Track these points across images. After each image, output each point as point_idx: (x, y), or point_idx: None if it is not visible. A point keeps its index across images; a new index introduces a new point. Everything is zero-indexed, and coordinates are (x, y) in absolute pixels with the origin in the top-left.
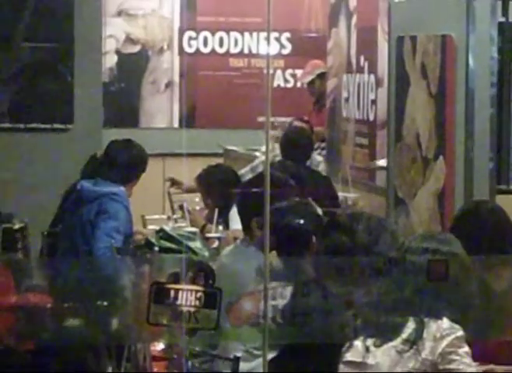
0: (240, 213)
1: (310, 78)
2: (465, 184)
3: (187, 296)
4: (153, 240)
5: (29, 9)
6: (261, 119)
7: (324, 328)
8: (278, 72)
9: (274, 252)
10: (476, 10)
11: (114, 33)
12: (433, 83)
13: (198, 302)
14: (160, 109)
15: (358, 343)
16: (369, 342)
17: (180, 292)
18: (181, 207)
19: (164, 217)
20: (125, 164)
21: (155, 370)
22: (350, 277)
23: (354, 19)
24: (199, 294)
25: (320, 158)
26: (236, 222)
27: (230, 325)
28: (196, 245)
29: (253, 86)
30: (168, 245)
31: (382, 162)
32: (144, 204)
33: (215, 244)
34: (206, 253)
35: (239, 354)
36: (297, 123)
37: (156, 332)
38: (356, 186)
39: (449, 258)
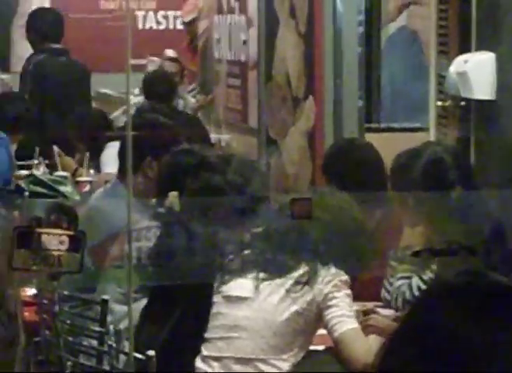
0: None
1: (192, 16)
2: (335, 123)
3: (51, 240)
4: (23, 185)
5: None
6: (132, 62)
7: (189, 268)
8: (151, 14)
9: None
10: None
11: None
12: (301, 22)
13: (61, 246)
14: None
15: (245, 278)
16: (259, 277)
17: (44, 236)
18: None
19: (35, 161)
20: (13, 115)
21: (26, 315)
22: (217, 216)
23: None
24: (62, 238)
25: (194, 100)
26: (107, 166)
27: (95, 268)
28: (67, 189)
29: (124, 29)
30: (39, 190)
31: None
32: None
33: (87, 188)
34: (77, 197)
35: (108, 297)
36: (166, 63)
37: (24, 277)
38: (229, 128)
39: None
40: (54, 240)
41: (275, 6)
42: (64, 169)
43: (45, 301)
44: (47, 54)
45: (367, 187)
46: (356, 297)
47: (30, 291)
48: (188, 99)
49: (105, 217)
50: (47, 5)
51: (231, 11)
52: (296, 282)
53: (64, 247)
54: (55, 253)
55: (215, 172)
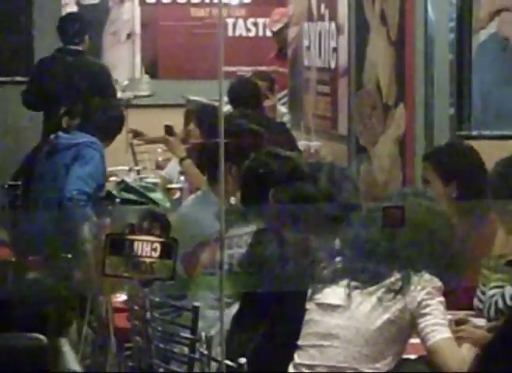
0: (206, 163)
1: (279, 26)
2: (426, 130)
3: (143, 247)
4: (114, 192)
5: None
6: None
7: (282, 276)
8: (240, 21)
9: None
10: None
11: None
12: (392, 30)
13: (153, 253)
14: (122, 61)
15: (337, 286)
16: (351, 285)
17: (136, 243)
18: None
19: (126, 168)
20: (105, 122)
21: (117, 321)
22: (309, 224)
23: None
24: (155, 245)
25: (284, 110)
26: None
27: (186, 275)
28: (157, 196)
29: (214, 36)
30: (129, 196)
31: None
32: (106, 156)
33: (178, 195)
34: (168, 204)
35: (199, 303)
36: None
37: (116, 284)
38: (319, 135)
39: (425, 207)
40: (147, 247)
41: (365, 13)
42: (173, 152)
43: (136, 308)
44: (56, 53)
45: (470, 189)
46: (448, 305)
47: (121, 298)
48: (278, 108)
49: (196, 224)
50: (137, 13)
51: (321, 18)
52: (388, 290)
53: (156, 254)
54: (147, 260)
55: (307, 181)
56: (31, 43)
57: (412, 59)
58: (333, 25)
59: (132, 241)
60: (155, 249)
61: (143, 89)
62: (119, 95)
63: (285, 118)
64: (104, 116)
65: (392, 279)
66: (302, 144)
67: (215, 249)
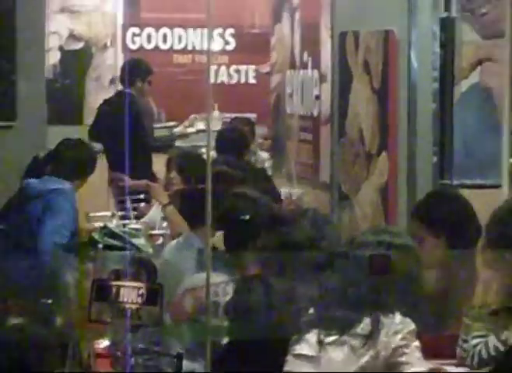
0: (187, 207)
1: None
2: (408, 179)
3: (129, 293)
4: (97, 237)
5: None
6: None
7: (267, 324)
8: (223, 68)
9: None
10: (418, 5)
11: (57, 30)
12: (375, 78)
13: (139, 299)
14: None
15: (310, 337)
16: (322, 336)
17: (122, 289)
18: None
19: (108, 213)
20: (76, 161)
21: (99, 367)
22: (294, 271)
23: (297, 15)
24: (141, 291)
25: (265, 155)
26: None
27: (171, 321)
28: (140, 242)
29: (197, 82)
30: (112, 242)
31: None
32: (88, 201)
33: (160, 240)
34: (150, 250)
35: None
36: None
37: (99, 329)
38: (301, 182)
39: (404, 251)
40: (133, 293)
41: (348, 62)
42: (155, 198)
43: (119, 354)
44: (114, 96)
45: (461, 238)
46: (430, 353)
47: (103, 343)
48: (259, 154)
49: (179, 269)
50: (120, 59)
51: (304, 66)
52: (360, 336)
53: (142, 300)
54: (133, 306)
55: (290, 227)
56: (13, 89)
57: (395, 108)
58: (316, 73)
59: (118, 287)
60: (141, 295)
61: None
62: None
63: (267, 164)
64: (77, 156)
65: (362, 325)
66: (284, 191)
67: (201, 296)
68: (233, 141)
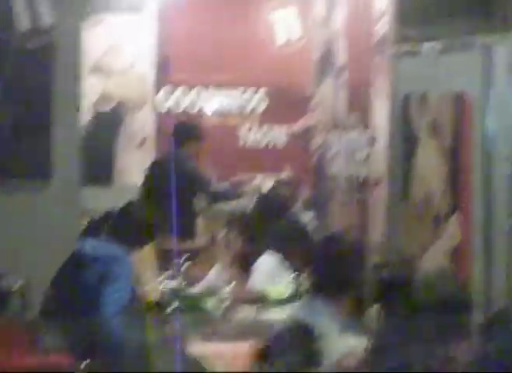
0: None
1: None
2: (485, 241)
3: None
4: (165, 300)
5: (9, 65)
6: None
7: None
8: (255, 128)
9: None
10: (493, 65)
11: (89, 90)
12: (446, 141)
13: None
14: (136, 166)
15: None
16: None
17: None
18: None
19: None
20: (140, 227)
21: None
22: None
23: (343, 76)
24: None
25: (309, 216)
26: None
27: None
28: (208, 304)
29: (227, 144)
30: (179, 305)
31: None
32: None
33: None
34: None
35: None
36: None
37: None
38: None
39: None
40: None
41: (412, 124)
42: None
43: None
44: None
45: None
46: None
47: None
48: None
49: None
50: (151, 120)
51: (350, 127)
52: None
53: None
54: None
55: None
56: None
57: (468, 170)
58: (365, 134)
59: None
60: None
61: None
62: None
63: (312, 224)
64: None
65: None
66: None
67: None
68: (274, 205)
